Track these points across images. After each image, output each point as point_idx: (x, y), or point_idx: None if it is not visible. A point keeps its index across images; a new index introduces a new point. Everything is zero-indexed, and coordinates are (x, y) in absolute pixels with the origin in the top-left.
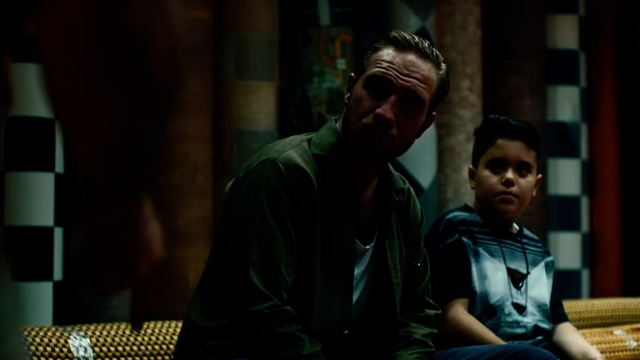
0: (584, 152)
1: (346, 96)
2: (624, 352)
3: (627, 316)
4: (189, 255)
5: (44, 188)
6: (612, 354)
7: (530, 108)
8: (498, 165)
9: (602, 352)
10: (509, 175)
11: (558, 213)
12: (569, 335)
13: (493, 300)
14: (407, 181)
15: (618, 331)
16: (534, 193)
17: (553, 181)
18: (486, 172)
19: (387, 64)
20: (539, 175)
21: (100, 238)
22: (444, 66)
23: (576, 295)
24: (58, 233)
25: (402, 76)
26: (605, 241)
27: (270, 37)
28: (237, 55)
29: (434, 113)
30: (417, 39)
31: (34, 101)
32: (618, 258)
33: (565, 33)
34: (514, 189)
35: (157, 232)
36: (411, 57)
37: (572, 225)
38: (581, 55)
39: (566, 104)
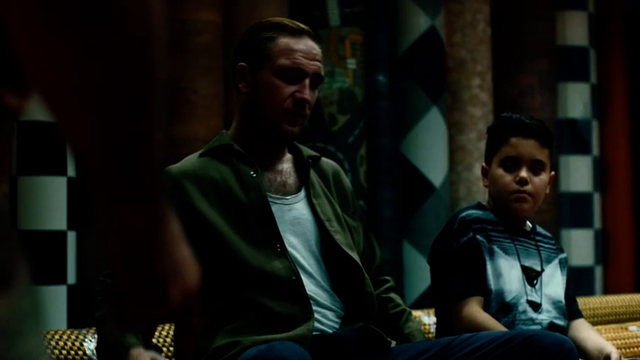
0: (595, 149)
1: (241, 85)
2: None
3: None
4: None
5: (57, 192)
6: (628, 350)
7: (541, 105)
8: (512, 163)
9: (617, 348)
10: (523, 173)
11: (570, 210)
12: (585, 331)
13: (508, 298)
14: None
15: (633, 327)
16: (548, 191)
17: (565, 177)
18: (500, 171)
19: (297, 54)
20: (553, 173)
21: (119, 253)
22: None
23: (590, 292)
24: (72, 237)
25: (310, 62)
26: (618, 238)
27: None
28: None
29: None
30: (301, 24)
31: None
32: (631, 254)
33: (575, 29)
34: (528, 187)
35: (188, 257)
36: (310, 42)
37: (584, 222)
38: (592, 51)
39: (576, 101)
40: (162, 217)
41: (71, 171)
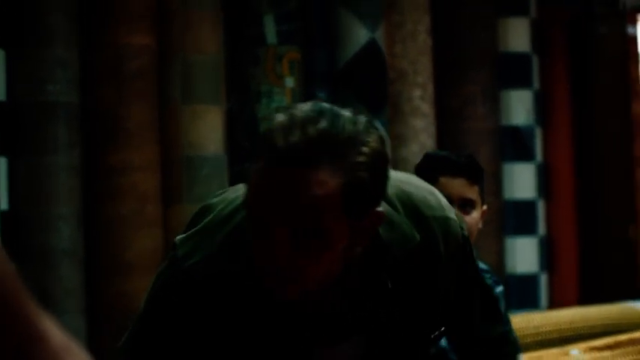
0: (539, 155)
1: None
2: None
3: (586, 327)
4: (139, 287)
5: None
6: None
7: (483, 115)
8: None
9: None
10: None
11: (514, 217)
12: None
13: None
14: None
15: (574, 351)
16: (480, 226)
17: (509, 185)
18: None
19: (256, 190)
20: (484, 207)
21: None
22: (362, 152)
23: (535, 300)
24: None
25: (273, 202)
26: (562, 245)
27: (216, 59)
28: (183, 80)
29: (375, 213)
30: (300, 144)
31: None
32: (575, 260)
33: (517, 36)
34: None
35: None
36: (285, 171)
37: (528, 229)
38: (534, 58)
39: (520, 108)
40: None
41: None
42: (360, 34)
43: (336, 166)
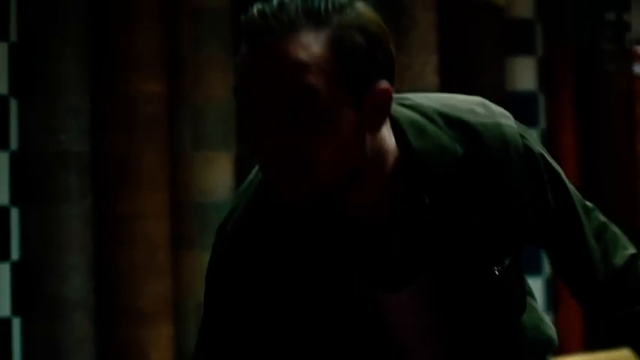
0: None
1: None
2: None
3: None
4: (150, 335)
5: None
6: None
7: None
8: None
9: None
10: None
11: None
12: None
13: None
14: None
15: None
16: None
17: None
18: None
19: (237, 74)
20: None
21: None
22: (344, 11)
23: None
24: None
25: (255, 77)
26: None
27: (227, 105)
28: (193, 126)
29: (379, 88)
30: (275, 8)
31: None
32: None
33: (523, 75)
34: None
35: None
36: (264, 44)
37: (534, 269)
38: (540, 96)
39: None
40: None
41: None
42: None
43: (319, 28)
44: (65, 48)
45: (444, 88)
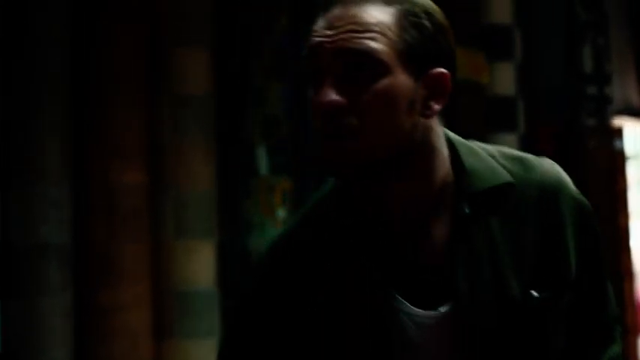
0: None
1: None
2: None
3: None
4: None
5: None
6: None
7: None
8: None
9: None
10: None
11: None
12: None
13: None
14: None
15: None
16: None
17: None
18: None
19: (311, 37)
20: None
21: None
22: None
23: None
24: None
25: (328, 39)
26: None
27: (208, 193)
28: (175, 215)
29: (439, 70)
30: None
31: None
32: None
33: None
34: None
35: None
36: (336, 11)
37: None
38: None
39: None
40: None
41: None
42: None
43: (389, 5)
44: (45, 138)
45: None
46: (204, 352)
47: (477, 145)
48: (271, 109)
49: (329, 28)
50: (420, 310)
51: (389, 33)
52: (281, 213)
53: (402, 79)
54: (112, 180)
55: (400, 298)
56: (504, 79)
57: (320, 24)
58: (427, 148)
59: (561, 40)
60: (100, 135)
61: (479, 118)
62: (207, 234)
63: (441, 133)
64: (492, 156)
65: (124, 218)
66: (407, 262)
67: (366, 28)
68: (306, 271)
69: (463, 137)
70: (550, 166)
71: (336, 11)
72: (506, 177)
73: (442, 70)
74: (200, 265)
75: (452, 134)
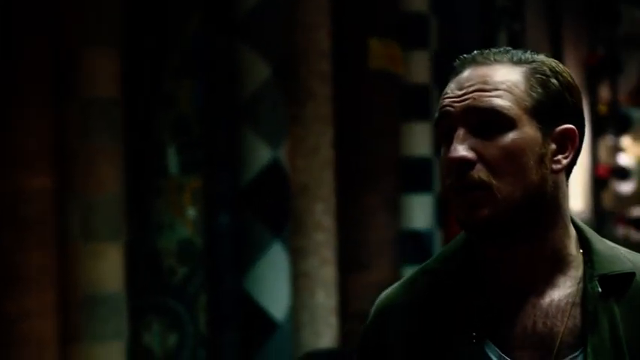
0: None
1: None
2: None
3: None
4: None
5: None
6: None
7: (384, 224)
8: None
9: None
10: None
11: None
12: None
13: None
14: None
15: None
16: None
17: None
18: None
19: (442, 99)
20: None
21: None
22: (540, 58)
23: None
24: None
25: (457, 99)
26: None
27: (116, 196)
28: (82, 219)
29: (566, 126)
30: (484, 51)
31: None
32: None
33: (418, 141)
34: None
35: None
36: (466, 72)
37: None
38: (435, 160)
39: (420, 212)
40: None
41: None
42: (263, 153)
43: (518, 65)
44: None
45: (340, 158)
46: (111, 355)
47: (611, 247)
48: (182, 108)
49: (459, 89)
50: None
51: (516, 90)
52: (191, 212)
53: (529, 134)
54: (16, 185)
55: (503, 355)
56: (419, 68)
57: (451, 86)
58: (554, 205)
59: (477, 27)
60: (3, 139)
61: (392, 107)
62: (114, 237)
63: (567, 193)
64: (613, 246)
65: (29, 225)
66: (514, 321)
67: (493, 87)
68: (414, 324)
69: (378, 127)
70: None
71: (466, 72)
72: (631, 267)
73: (569, 125)
74: (108, 269)
75: (576, 218)
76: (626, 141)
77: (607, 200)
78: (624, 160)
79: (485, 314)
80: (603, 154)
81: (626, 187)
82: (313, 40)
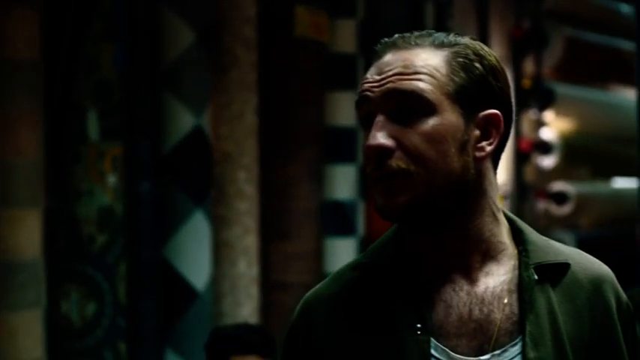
0: (361, 229)
1: None
2: None
3: None
4: None
5: None
6: None
7: (307, 194)
8: None
9: None
10: None
11: None
12: None
13: None
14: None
15: None
16: None
17: (330, 260)
18: None
19: (362, 83)
20: None
21: None
22: (463, 41)
23: None
24: None
25: (376, 84)
26: None
27: (35, 162)
28: (0, 185)
29: (490, 111)
30: (405, 34)
31: None
32: None
33: (342, 111)
34: None
35: None
36: (386, 57)
37: None
38: (359, 132)
39: (344, 183)
40: None
41: None
42: (185, 121)
43: (439, 49)
44: None
45: (264, 127)
46: (29, 323)
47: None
48: (103, 73)
49: (379, 74)
50: (460, 357)
51: (437, 74)
52: (111, 179)
53: (451, 119)
54: None
55: (439, 345)
56: (346, 37)
57: (371, 70)
58: (479, 192)
59: None
60: None
61: (317, 76)
62: (33, 203)
63: (494, 182)
64: (547, 239)
65: None
66: (449, 309)
67: (414, 71)
68: (344, 317)
69: (303, 96)
70: (600, 263)
71: (387, 57)
72: (564, 257)
73: (494, 111)
74: (26, 235)
75: (508, 211)
76: (549, 115)
77: (529, 174)
78: (547, 134)
79: (418, 304)
80: (526, 128)
81: (547, 162)
82: (239, 6)
